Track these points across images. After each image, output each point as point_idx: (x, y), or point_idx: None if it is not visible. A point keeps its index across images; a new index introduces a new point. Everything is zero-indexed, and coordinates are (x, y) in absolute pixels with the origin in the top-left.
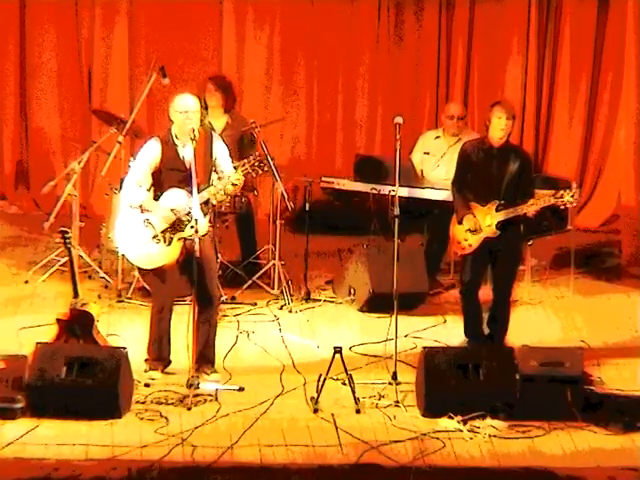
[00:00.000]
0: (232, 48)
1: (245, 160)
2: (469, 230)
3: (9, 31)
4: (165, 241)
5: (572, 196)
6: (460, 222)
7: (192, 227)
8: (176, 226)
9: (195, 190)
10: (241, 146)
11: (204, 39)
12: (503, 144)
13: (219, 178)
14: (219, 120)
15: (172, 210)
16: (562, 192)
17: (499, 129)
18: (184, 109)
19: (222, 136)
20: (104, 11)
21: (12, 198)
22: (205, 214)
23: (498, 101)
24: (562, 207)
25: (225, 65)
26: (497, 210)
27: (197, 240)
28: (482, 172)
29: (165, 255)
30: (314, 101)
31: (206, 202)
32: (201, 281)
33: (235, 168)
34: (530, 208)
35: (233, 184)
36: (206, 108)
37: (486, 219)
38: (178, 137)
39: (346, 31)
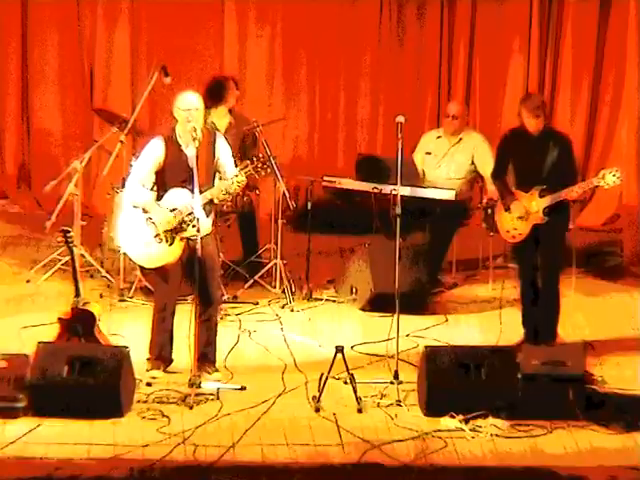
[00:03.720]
0: (234, 47)
1: (248, 161)
2: (519, 217)
3: (11, 31)
4: (167, 240)
5: (613, 175)
6: (507, 209)
7: (194, 226)
8: (178, 226)
9: (197, 190)
10: (243, 145)
11: (206, 38)
12: (542, 130)
13: (221, 179)
14: (222, 120)
15: (174, 211)
16: (604, 172)
17: (531, 126)
18: (186, 107)
19: (225, 135)
20: (106, 10)
21: (14, 197)
22: (208, 214)
23: (525, 97)
24: (606, 187)
25: (227, 64)
26: (540, 196)
27: (199, 239)
28: (523, 159)
29: (167, 254)
30: (316, 100)
31: (209, 202)
32: (203, 280)
33: (238, 169)
34: (574, 191)
35: (235, 185)
36: (208, 108)
37: (532, 206)
38: (182, 136)
39: (348, 30)
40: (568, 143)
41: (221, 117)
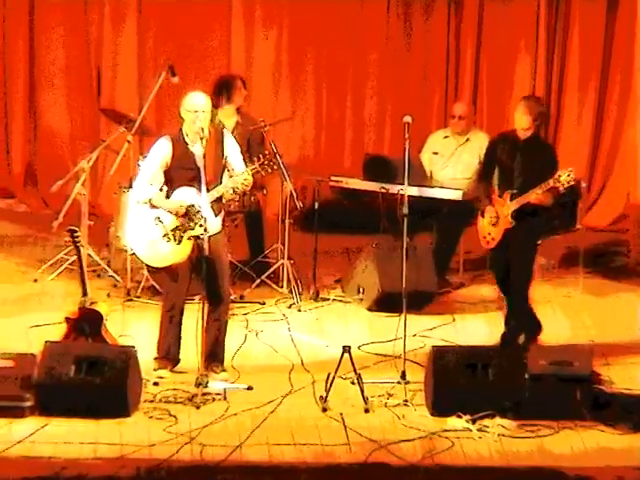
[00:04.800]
0: (241, 46)
1: (255, 159)
2: (491, 222)
3: (18, 30)
4: (175, 239)
5: (568, 175)
6: (482, 214)
7: (201, 226)
8: (186, 224)
9: (204, 188)
10: (250, 145)
11: (213, 38)
12: (530, 138)
13: (230, 176)
14: (229, 119)
15: (181, 205)
16: (559, 173)
17: (520, 126)
18: (194, 108)
19: (233, 134)
20: (113, 10)
21: (21, 196)
22: (217, 213)
23: (527, 95)
24: (562, 188)
25: (234, 64)
26: (511, 200)
27: (206, 239)
28: (505, 163)
29: (175, 254)
30: (323, 100)
31: (217, 201)
32: (212, 280)
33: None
34: (534, 193)
35: (242, 183)
36: (216, 107)
37: (503, 210)
38: (189, 136)
39: (355, 30)
40: (553, 154)
41: (228, 116)
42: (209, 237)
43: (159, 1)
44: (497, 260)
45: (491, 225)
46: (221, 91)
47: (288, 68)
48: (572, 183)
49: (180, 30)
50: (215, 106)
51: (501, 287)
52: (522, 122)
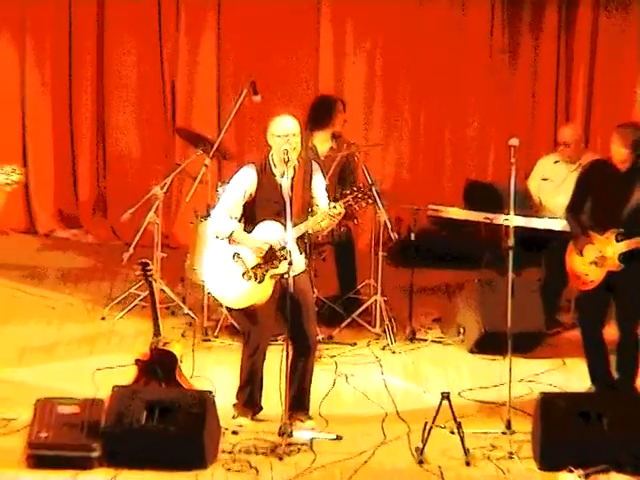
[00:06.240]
0: (330, 64)
1: (348, 191)
2: (592, 262)
3: (86, 45)
4: (257, 278)
5: None
6: (581, 253)
7: (285, 259)
8: (269, 261)
9: (290, 223)
10: (344, 173)
11: (300, 52)
12: (629, 167)
13: (312, 211)
14: (324, 145)
15: (266, 242)
16: None
17: (617, 158)
18: (283, 132)
19: (325, 161)
20: (190, 22)
21: (88, 226)
22: (302, 250)
23: (622, 124)
24: None
25: (322, 83)
26: (617, 240)
27: (291, 277)
28: (603, 196)
29: (256, 294)
30: (420, 121)
31: (302, 237)
32: (298, 321)
33: (337, 200)
34: None
35: (332, 217)
36: (311, 131)
37: (607, 250)
38: (276, 165)
39: (455, 45)
40: None
41: (323, 142)
42: (293, 276)
43: (241, 11)
44: (595, 304)
45: (592, 265)
46: (320, 114)
47: (382, 87)
48: None
49: (264, 43)
50: (311, 130)
51: (592, 334)
52: (619, 154)
